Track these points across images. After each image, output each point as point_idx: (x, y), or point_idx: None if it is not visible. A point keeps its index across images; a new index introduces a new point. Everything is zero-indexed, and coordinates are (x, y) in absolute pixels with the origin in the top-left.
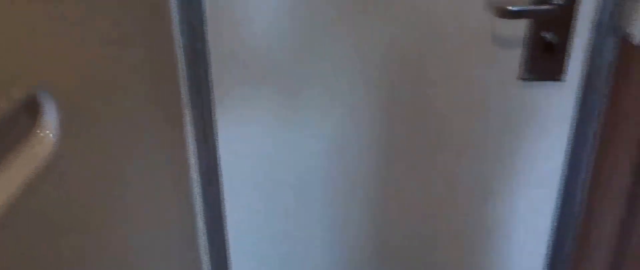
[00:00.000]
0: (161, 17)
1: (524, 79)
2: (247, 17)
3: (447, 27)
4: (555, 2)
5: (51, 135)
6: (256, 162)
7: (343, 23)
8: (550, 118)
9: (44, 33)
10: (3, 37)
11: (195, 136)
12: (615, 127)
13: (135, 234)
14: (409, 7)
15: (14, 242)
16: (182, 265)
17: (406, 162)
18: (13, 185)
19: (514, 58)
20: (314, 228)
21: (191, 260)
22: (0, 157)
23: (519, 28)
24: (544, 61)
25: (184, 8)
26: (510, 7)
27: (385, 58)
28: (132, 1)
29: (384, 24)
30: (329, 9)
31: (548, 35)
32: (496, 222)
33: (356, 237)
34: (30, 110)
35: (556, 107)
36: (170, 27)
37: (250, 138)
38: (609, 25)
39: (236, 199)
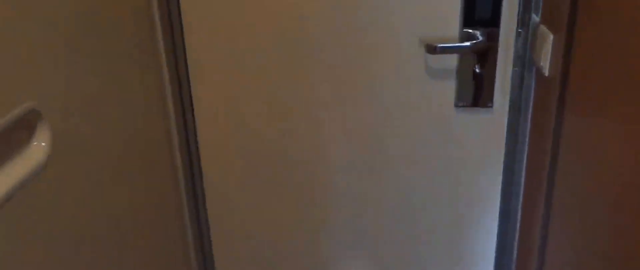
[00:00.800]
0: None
1: (457, 106)
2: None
3: (390, 62)
4: (478, 40)
5: (44, 144)
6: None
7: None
8: (486, 140)
9: (40, 58)
10: (9, 65)
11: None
12: (538, 146)
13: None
14: (359, 49)
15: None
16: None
17: (366, 179)
18: (9, 186)
19: (451, 87)
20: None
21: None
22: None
23: (453, 61)
24: (475, 89)
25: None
26: (437, 45)
27: (342, 86)
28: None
29: (340, 62)
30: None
31: (477, 67)
32: (443, 227)
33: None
34: (28, 123)
35: (489, 130)
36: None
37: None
38: (528, 58)
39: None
